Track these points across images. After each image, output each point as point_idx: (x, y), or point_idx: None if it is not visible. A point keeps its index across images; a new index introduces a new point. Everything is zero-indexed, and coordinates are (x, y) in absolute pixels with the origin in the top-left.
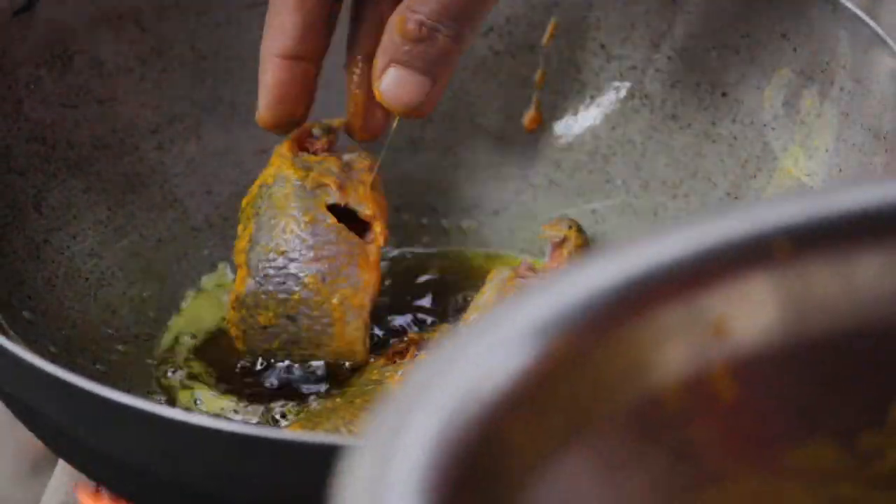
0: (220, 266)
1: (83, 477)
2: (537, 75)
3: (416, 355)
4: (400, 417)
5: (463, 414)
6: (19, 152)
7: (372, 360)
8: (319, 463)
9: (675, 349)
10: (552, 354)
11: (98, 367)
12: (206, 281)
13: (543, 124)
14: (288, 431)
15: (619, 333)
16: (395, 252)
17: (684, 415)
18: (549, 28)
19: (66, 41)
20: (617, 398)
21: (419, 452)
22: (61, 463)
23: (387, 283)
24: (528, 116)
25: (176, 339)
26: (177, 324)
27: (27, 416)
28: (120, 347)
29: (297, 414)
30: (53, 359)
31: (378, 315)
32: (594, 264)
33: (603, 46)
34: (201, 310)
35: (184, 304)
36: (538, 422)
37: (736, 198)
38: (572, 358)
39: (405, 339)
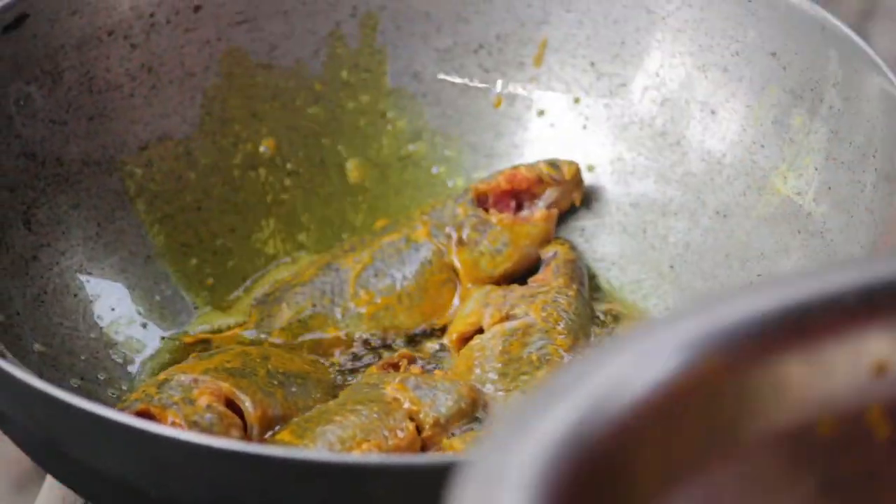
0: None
1: (71, 494)
2: (528, 93)
3: (409, 368)
4: (526, 418)
5: (595, 418)
6: (9, 168)
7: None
8: (310, 478)
9: (833, 382)
10: (701, 368)
11: (85, 383)
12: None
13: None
14: (278, 448)
15: (777, 358)
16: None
17: (837, 445)
18: (540, 45)
19: (56, 58)
20: (769, 418)
21: (540, 456)
22: (49, 479)
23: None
24: (518, 135)
25: (161, 368)
26: (163, 350)
27: (15, 431)
28: (109, 365)
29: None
30: (41, 374)
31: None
32: (755, 291)
33: (593, 64)
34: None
35: (166, 339)
36: (676, 435)
37: (725, 216)
38: (722, 374)
39: (396, 353)
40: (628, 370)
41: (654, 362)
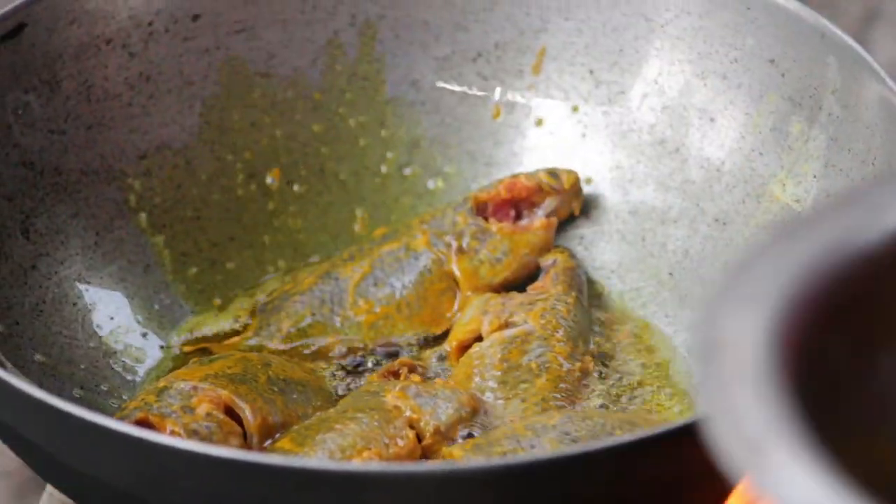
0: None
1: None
2: (527, 101)
3: (409, 377)
4: (786, 236)
5: (854, 242)
6: (7, 177)
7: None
8: (310, 486)
9: None
10: None
11: (87, 393)
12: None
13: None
14: (277, 456)
15: None
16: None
17: None
18: (538, 53)
19: (54, 66)
20: None
21: (789, 277)
22: (48, 489)
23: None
24: (517, 143)
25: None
26: (166, 359)
27: (14, 441)
28: (109, 375)
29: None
30: (41, 384)
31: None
32: None
33: (591, 72)
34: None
35: (166, 347)
36: None
37: (724, 224)
38: None
39: (396, 361)
40: None
41: None
